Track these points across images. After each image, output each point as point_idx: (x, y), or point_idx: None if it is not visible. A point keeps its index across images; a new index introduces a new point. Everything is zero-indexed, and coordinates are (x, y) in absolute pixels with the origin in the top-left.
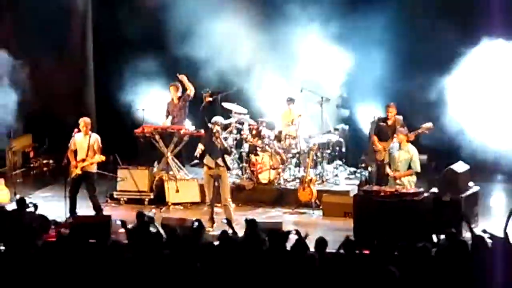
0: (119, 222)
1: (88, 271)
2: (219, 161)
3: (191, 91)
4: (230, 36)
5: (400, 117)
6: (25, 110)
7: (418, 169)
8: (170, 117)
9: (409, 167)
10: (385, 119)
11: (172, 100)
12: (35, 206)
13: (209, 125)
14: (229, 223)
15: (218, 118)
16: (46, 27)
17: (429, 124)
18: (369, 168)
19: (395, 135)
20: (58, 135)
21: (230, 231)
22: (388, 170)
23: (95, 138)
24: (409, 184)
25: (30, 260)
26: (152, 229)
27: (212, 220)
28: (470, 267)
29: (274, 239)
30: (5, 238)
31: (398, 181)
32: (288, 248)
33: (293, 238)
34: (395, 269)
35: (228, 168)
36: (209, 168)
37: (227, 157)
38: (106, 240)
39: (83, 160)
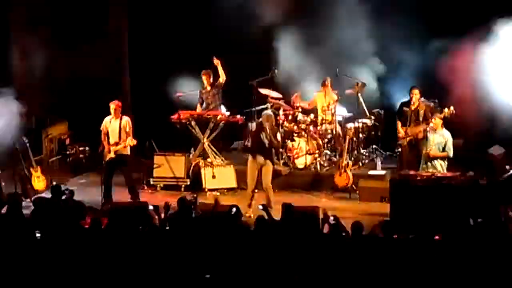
0: (151, 207)
1: (125, 257)
2: (265, 156)
3: (223, 79)
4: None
5: (430, 103)
6: (61, 97)
7: (451, 154)
8: (204, 104)
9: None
10: (408, 103)
11: (205, 87)
12: (72, 193)
13: (260, 119)
14: (265, 208)
15: (268, 113)
16: (83, 14)
17: (450, 109)
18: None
19: (431, 119)
20: (94, 122)
21: (266, 216)
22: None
23: (126, 120)
24: (440, 167)
25: (67, 247)
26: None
27: (250, 206)
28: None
29: (311, 224)
30: (41, 226)
31: (430, 164)
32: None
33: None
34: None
35: (273, 164)
36: (254, 158)
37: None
38: (143, 226)
39: (116, 144)
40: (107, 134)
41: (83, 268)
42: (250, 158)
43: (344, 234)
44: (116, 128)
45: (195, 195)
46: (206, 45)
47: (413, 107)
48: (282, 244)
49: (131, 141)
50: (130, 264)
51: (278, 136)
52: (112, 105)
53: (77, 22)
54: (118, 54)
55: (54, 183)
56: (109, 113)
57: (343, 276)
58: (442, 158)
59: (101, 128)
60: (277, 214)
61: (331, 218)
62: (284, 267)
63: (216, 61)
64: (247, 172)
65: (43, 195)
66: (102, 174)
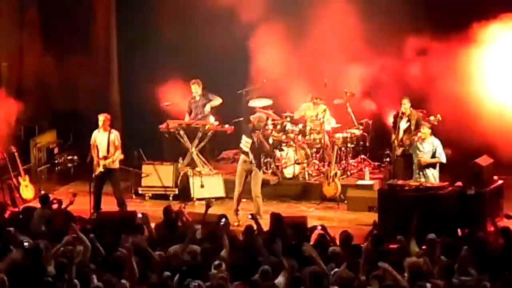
0: (140, 215)
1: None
2: (253, 159)
3: (219, 102)
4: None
5: (419, 114)
6: (49, 106)
7: (443, 160)
8: (193, 114)
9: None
10: (400, 114)
11: (194, 97)
12: (60, 202)
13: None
14: (255, 218)
15: (259, 114)
16: (72, 25)
17: (437, 117)
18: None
19: (420, 128)
20: (82, 131)
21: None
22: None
23: (115, 134)
24: (432, 177)
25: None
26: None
27: (237, 212)
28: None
29: (299, 234)
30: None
31: (421, 173)
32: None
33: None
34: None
35: (259, 168)
36: (245, 161)
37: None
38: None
39: (105, 158)
40: (96, 147)
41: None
42: (240, 160)
43: (331, 244)
44: (105, 141)
45: (184, 205)
46: (194, 54)
47: (404, 117)
48: (271, 254)
49: (119, 155)
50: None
51: (270, 140)
52: (101, 118)
53: (65, 31)
54: (107, 62)
55: (43, 192)
56: (98, 124)
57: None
58: (434, 166)
59: (91, 142)
60: (266, 224)
61: (319, 227)
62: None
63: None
64: (236, 174)
65: (31, 204)
66: (92, 187)
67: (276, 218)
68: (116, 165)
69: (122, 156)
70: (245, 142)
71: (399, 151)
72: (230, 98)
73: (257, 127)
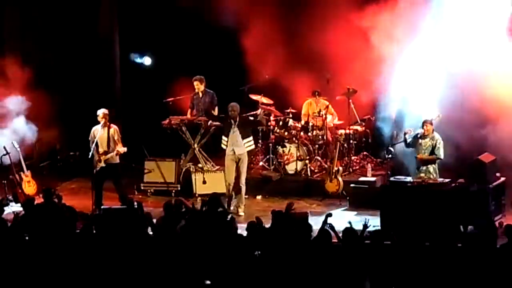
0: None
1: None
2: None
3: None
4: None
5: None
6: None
7: (441, 155)
8: (195, 110)
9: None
10: (423, 136)
11: (197, 93)
12: (59, 198)
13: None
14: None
15: (232, 103)
16: (73, 18)
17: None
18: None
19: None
20: (84, 127)
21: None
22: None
23: (114, 128)
24: (434, 171)
25: (58, 251)
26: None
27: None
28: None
29: (301, 230)
30: (33, 229)
31: (423, 168)
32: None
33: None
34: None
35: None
36: (229, 154)
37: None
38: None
39: (106, 153)
40: (96, 143)
41: (73, 272)
42: (226, 154)
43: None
44: (105, 137)
45: (189, 201)
46: (197, 50)
47: (427, 139)
48: (274, 250)
49: (122, 149)
50: (122, 269)
51: (250, 118)
52: (100, 113)
53: (67, 27)
54: (109, 58)
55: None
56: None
57: (334, 282)
58: (432, 162)
59: (90, 137)
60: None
61: (327, 225)
62: (275, 273)
63: None
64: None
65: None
66: (93, 183)
67: (277, 215)
68: (117, 160)
69: (125, 149)
70: (223, 141)
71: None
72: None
73: (232, 116)
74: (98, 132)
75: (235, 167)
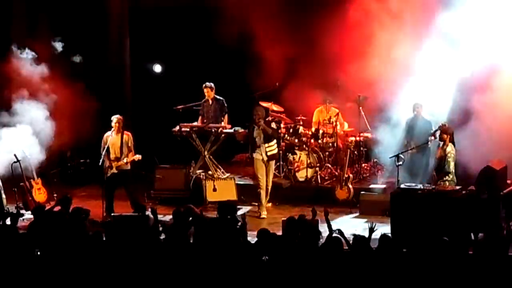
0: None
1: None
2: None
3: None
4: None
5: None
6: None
7: (450, 169)
8: (205, 118)
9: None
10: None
11: (207, 100)
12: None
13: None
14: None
15: (257, 107)
16: (84, 23)
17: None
18: None
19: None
20: (95, 134)
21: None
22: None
23: (128, 135)
24: (452, 180)
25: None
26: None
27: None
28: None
29: (311, 237)
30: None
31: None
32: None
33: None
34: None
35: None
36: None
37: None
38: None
39: (118, 159)
40: (108, 149)
41: (84, 280)
42: (255, 156)
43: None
44: (118, 143)
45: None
46: (207, 58)
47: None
48: (284, 257)
49: (136, 157)
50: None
51: (273, 125)
52: (114, 119)
53: (78, 31)
54: (120, 67)
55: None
56: (110, 127)
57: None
58: (447, 173)
59: (102, 143)
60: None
61: (336, 231)
62: (287, 280)
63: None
64: (255, 170)
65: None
66: (104, 189)
67: (289, 223)
68: (129, 166)
69: (140, 157)
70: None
71: None
72: (243, 102)
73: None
74: (110, 138)
75: (265, 170)
